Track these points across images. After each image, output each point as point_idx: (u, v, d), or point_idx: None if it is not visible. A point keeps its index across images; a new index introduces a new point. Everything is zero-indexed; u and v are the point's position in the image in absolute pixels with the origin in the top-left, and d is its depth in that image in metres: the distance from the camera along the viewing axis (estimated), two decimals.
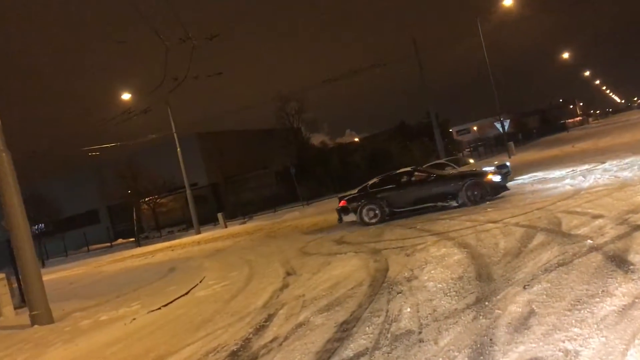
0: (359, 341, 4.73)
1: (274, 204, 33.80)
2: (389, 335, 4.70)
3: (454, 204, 12.77)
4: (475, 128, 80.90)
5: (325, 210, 25.00)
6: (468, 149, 52.07)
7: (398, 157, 39.61)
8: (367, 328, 5.06)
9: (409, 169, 14.31)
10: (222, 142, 42.03)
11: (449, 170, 15.60)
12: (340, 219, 14.29)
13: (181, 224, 36.84)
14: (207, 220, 33.60)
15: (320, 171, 37.93)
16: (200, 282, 10.27)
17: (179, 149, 30.70)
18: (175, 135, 31.34)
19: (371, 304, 5.86)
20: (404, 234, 10.64)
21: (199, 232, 29.74)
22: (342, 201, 14.20)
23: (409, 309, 5.35)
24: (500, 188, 12.93)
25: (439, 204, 12.98)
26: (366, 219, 13.52)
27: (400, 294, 6.01)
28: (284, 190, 37.69)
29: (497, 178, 12.97)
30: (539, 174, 17.18)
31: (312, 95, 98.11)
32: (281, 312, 6.42)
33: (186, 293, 9.29)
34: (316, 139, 49.01)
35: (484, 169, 15.05)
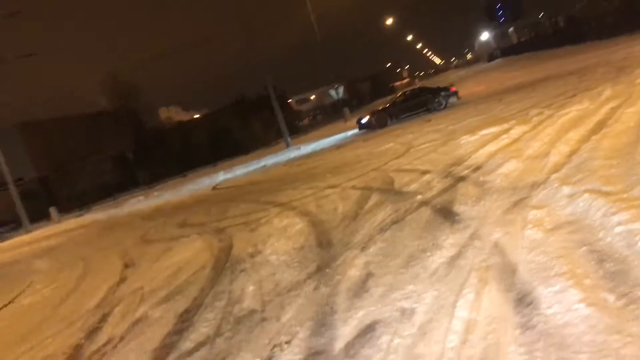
0: (200, 330, 4.46)
1: (113, 191, 31.84)
2: (231, 319, 4.48)
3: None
4: (312, 97, 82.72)
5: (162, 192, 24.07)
6: (309, 118, 53.25)
7: (240, 133, 39.26)
8: (208, 314, 4.79)
9: (418, 87, 24.78)
10: (49, 131, 38.36)
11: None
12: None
13: (10, 224, 33.29)
14: (40, 217, 30.67)
15: (161, 153, 36.39)
16: (28, 287, 9.23)
17: None
18: None
19: (214, 288, 5.58)
20: (248, 209, 10.42)
21: (29, 231, 27.04)
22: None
23: (252, 287, 5.16)
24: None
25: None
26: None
27: (243, 272, 5.80)
28: (123, 176, 35.65)
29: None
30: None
31: (137, 73, 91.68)
32: (117, 310, 5.88)
33: (9, 302, 8.28)
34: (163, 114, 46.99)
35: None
